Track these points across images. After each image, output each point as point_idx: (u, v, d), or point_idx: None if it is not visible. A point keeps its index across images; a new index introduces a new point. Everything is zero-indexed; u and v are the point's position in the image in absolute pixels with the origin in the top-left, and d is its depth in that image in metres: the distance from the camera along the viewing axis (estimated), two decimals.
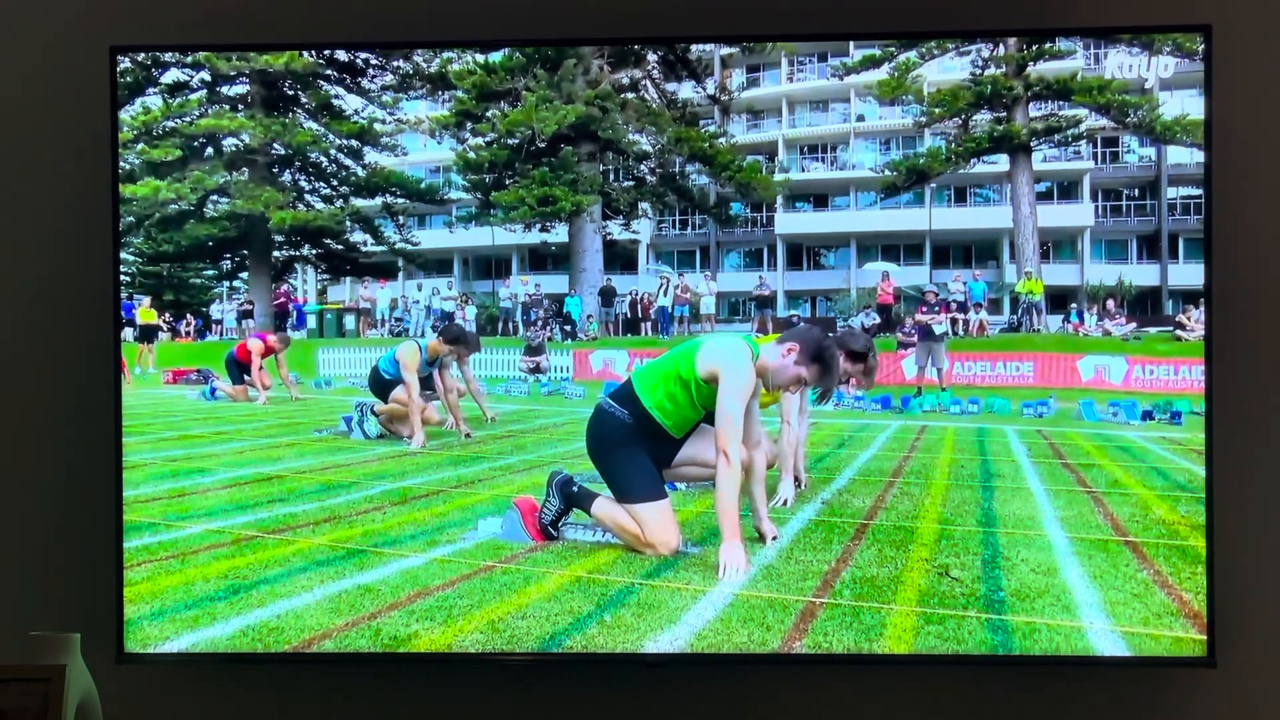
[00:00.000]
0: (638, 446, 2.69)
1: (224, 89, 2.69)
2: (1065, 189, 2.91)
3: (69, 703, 1.83)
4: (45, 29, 2.70)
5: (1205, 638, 2.32)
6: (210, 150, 2.74)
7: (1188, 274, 2.77)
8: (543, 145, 2.79)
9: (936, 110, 2.75)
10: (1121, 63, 2.54)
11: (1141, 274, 2.90)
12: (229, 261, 2.93)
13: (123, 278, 2.60)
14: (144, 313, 2.73)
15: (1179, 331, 2.73)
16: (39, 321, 2.68)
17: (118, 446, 2.51)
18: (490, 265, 3.03)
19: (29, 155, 2.69)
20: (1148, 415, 2.90)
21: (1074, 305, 2.92)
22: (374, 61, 2.74)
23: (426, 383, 3.26)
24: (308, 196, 2.82)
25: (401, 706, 2.63)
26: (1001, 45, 2.66)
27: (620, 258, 2.99)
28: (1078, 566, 2.47)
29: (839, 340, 2.76)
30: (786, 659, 2.28)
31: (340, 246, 2.90)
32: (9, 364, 2.70)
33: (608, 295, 3.08)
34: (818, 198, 3.00)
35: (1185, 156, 2.68)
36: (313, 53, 2.72)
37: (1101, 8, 2.58)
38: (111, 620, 2.43)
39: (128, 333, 2.76)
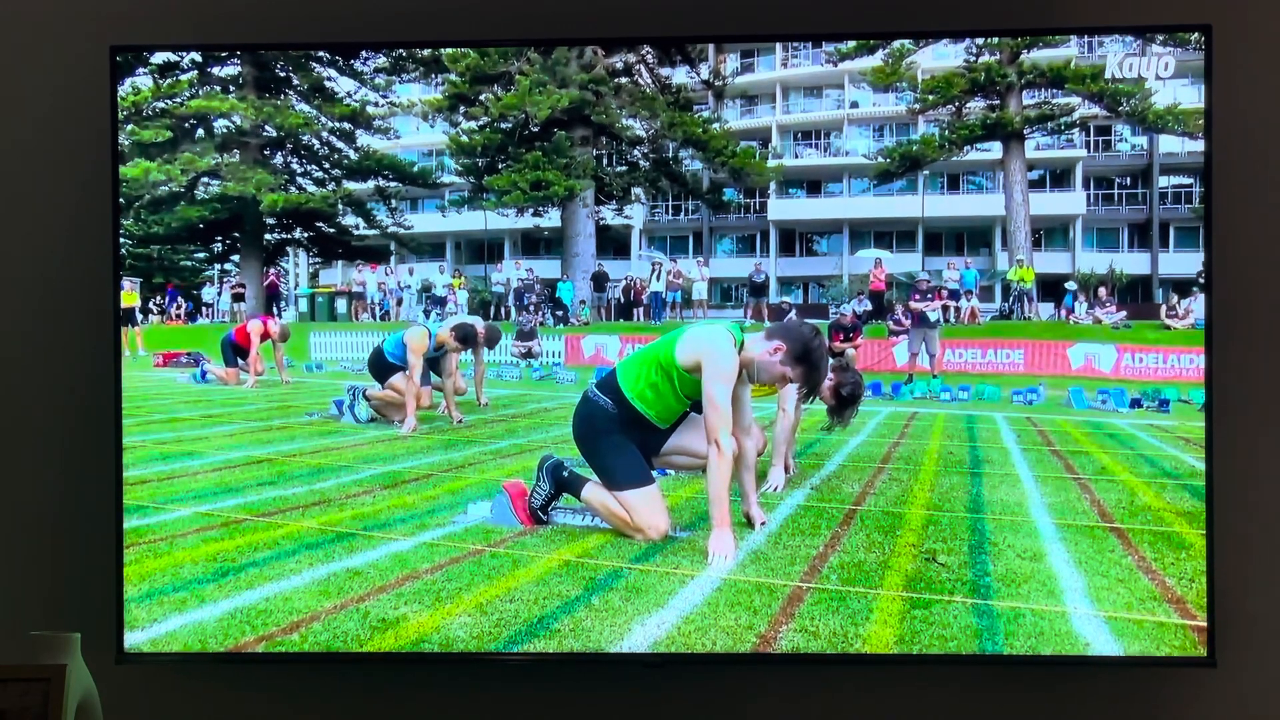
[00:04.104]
0: (624, 435, 2.70)
1: (215, 70, 2.68)
2: (1057, 177, 2.91)
3: (69, 703, 1.84)
4: (45, 29, 2.69)
5: (1189, 623, 2.34)
6: (201, 132, 2.73)
7: (1179, 262, 2.78)
8: (536, 129, 2.79)
9: (930, 97, 2.74)
10: (1123, 62, 2.53)
11: (1132, 262, 2.91)
12: (220, 244, 2.93)
13: None
14: (125, 295, 2.72)
15: (1168, 319, 2.74)
16: (38, 319, 2.69)
17: (118, 447, 2.51)
18: (483, 249, 3.03)
19: (29, 154, 2.68)
20: (1136, 403, 2.91)
21: (1069, 286, 2.90)
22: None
23: (432, 364, 3.27)
24: (299, 179, 2.82)
25: (398, 704, 2.63)
26: None
27: (613, 243, 2.99)
28: (1064, 552, 2.48)
29: (834, 371, 2.74)
30: (785, 659, 2.28)
31: (332, 230, 2.90)
32: (7, 360, 2.70)
33: (600, 280, 3.08)
34: (811, 184, 3.00)
35: (1177, 145, 2.69)
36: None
37: (1102, 7, 2.58)
38: (111, 620, 2.44)
39: None
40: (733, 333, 2.61)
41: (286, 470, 3.01)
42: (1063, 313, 2.90)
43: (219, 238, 2.90)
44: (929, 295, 3.01)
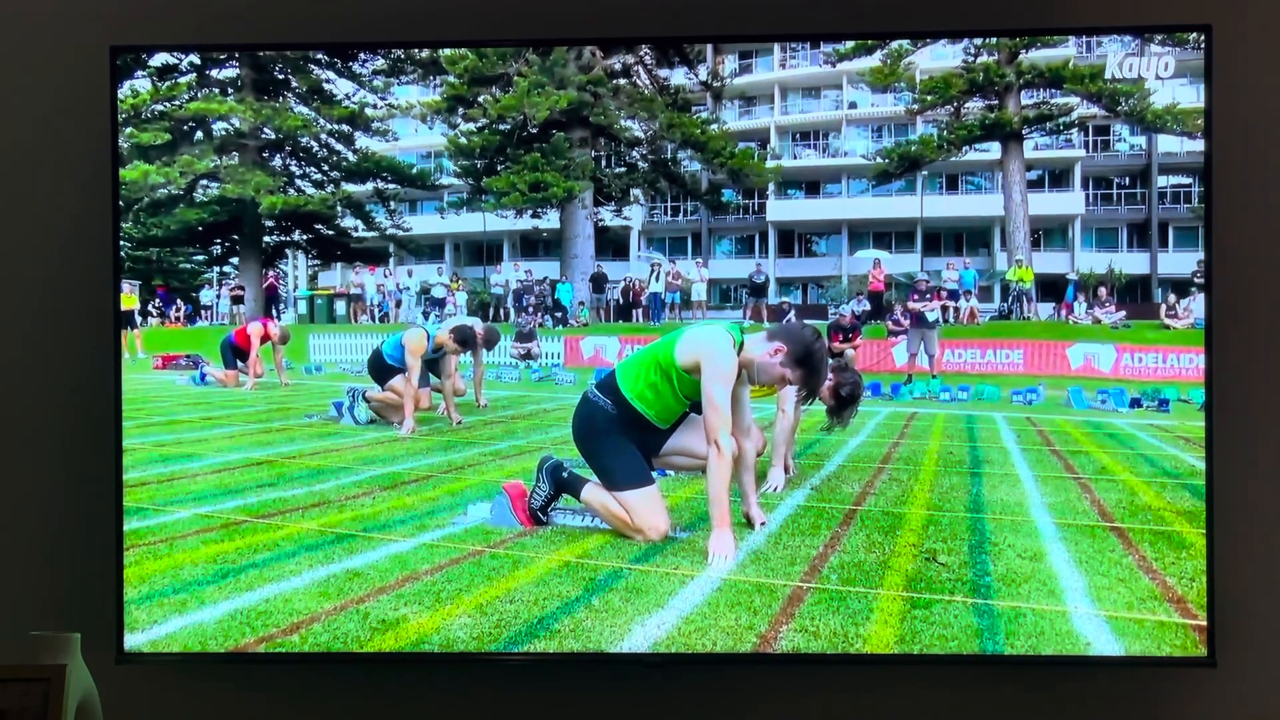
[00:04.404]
0: (623, 435, 2.70)
1: (214, 72, 2.68)
2: (1056, 177, 2.91)
3: (69, 703, 1.83)
4: (45, 29, 2.69)
5: (1189, 622, 2.33)
6: (200, 134, 2.73)
7: (1178, 262, 2.78)
8: (534, 131, 2.79)
9: (928, 97, 2.75)
10: (1123, 62, 2.53)
11: (1132, 262, 2.91)
12: (219, 246, 2.93)
13: None
14: (124, 298, 2.72)
15: (1167, 319, 2.74)
16: (38, 321, 2.69)
17: (118, 447, 2.51)
18: (482, 251, 3.03)
19: (29, 155, 2.69)
20: (1136, 403, 2.91)
21: (1071, 276, 2.90)
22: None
23: (431, 366, 3.26)
24: (298, 181, 2.82)
25: (398, 704, 2.63)
26: None
27: (612, 244, 2.99)
28: (1064, 552, 2.48)
29: (833, 371, 2.74)
30: (786, 659, 2.28)
31: (331, 232, 2.90)
32: (7, 361, 2.70)
33: (599, 281, 3.08)
34: (809, 184, 3.00)
35: (1176, 145, 2.69)
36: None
37: (1102, 7, 2.58)
38: (111, 620, 2.44)
39: None
40: (732, 333, 2.61)
41: (286, 472, 3.01)
42: (1063, 309, 2.90)
43: (218, 240, 2.90)
44: (928, 295, 3.01)
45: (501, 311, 3.09)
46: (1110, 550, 2.48)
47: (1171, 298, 2.74)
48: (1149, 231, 2.86)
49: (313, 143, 2.81)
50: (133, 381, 2.71)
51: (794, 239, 3.05)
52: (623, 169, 2.87)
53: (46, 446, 2.68)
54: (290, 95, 2.76)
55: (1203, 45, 2.43)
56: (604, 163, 2.85)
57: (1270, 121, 2.57)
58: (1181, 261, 2.70)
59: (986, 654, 2.29)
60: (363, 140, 2.81)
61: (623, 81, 2.74)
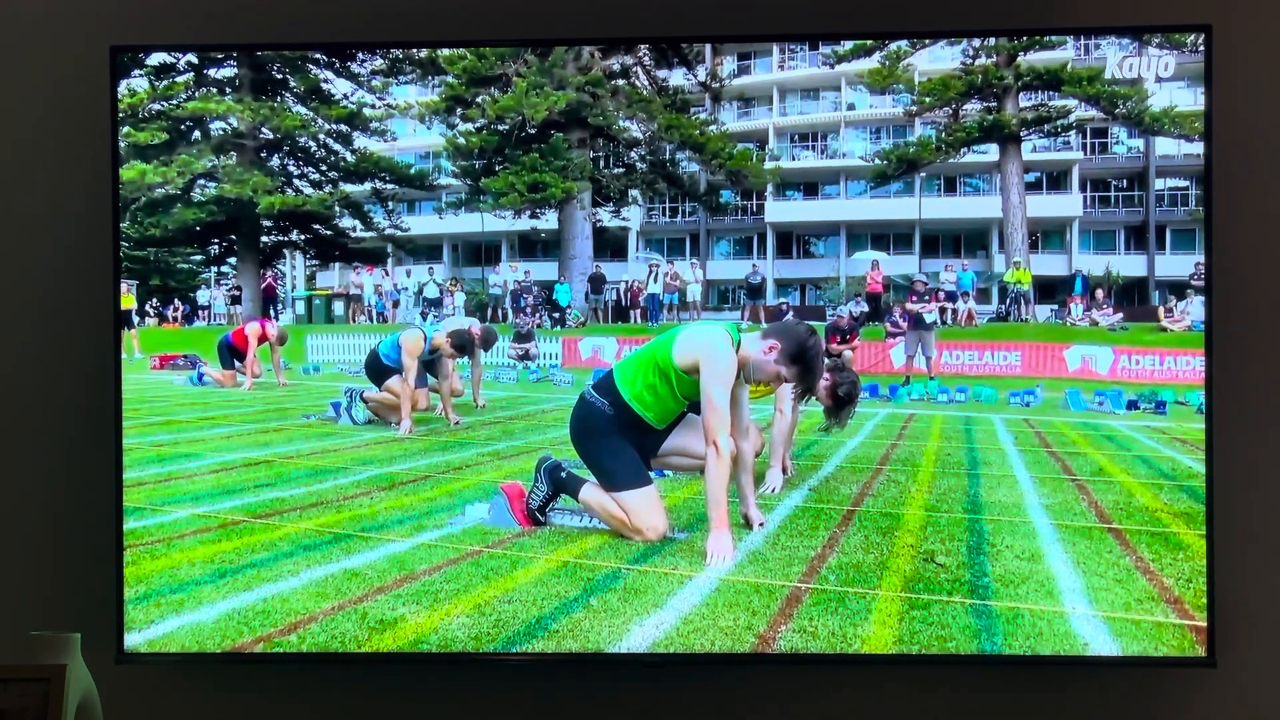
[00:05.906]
0: (621, 436, 2.70)
1: (212, 72, 2.68)
2: (1054, 179, 2.92)
3: (69, 703, 1.83)
4: (45, 29, 2.69)
5: (1186, 623, 2.34)
6: (198, 134, 2.73)
7: (1175, 265, 2.79)
8: (533, 131, 2.79)
9: (927, 99, 2.75)
10: (1122, 63, 2.54)
11: (1129, 264, 2.91)
12: (217, 246, 2.92)
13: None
14: (122, 298, 2.72)
15: (1164, 322, 2.75)
16: (37, 321, 2.69)
17: (118, 447, 2.51)
18: (480, 251, 3.03)
19: (29, 154, 2.69)
20: (1133, 405, 2.92)
21: (1078, 272, 2.90)
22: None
23: (428, 367, 3.26)
24: (296, 181, 2.81)
25: (398, 704, 2.63)
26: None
27: (610, 244, 2.99)
28: (1061, 553, 2.48)
29: (830, 371, 2.73)
30: (784, 659, 2.28)
31: (329, 232, 2.89)
32: (7, 361, 2.70)
33: (597, 282, 3.07)
34: (808, 186, 3.00)
35: (1173, 148, 2.69)
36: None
37: (1102, 7, 2.59)
38: (111, 620, 2.43)
39: None
40: (730, 332, 2.61)
41: (284, 472, 3.01)
42: (1069, 304, 2.89)
43: (215, 240, 2.89)
44: (926, 297, 3.01)
45: (500, 312, 3.09)
46: (1108, 551, 2.48)
47: (1171, 300, 2.75)
48: (1146, 234, 2.87)
49: (311, 143, 2.81)
50: (130, 381, 2.70)
51: (792, 240, 3.05)
52: (621, 170, 2.87)
53: (46, 446, 2.67)
54: (288, 95, 2.76)
55: (1202, 46, 2.43)
56: (602, 163, 2.85)
57: (1270, 122, 2.57)
58: (1179, 264, 2.70)
59: (985, 654, 2.29)
60: (361, 140, 2.81)
61: (621, 82, 2.74)
